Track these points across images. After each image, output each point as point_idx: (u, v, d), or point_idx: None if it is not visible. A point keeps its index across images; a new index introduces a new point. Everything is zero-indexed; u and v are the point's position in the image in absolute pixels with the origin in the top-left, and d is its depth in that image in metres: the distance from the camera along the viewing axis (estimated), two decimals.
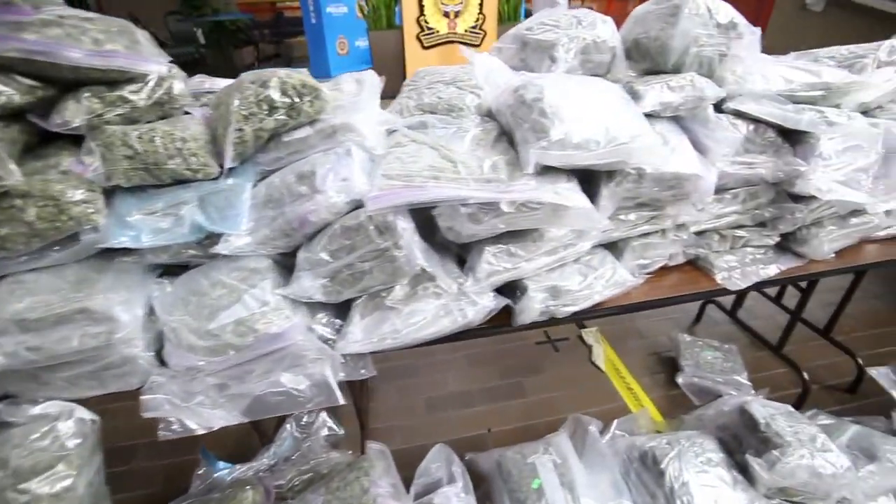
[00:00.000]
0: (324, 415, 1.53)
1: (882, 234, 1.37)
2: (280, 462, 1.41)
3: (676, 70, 1.12)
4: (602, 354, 2.08)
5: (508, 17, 4.38)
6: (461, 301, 0.95)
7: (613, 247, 1.15)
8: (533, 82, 0.93)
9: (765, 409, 1.25)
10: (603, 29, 1.11)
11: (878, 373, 1.43)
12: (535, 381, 1.97)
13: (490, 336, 1.10)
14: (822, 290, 2.52)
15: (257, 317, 0.84)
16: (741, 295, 2.25)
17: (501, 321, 1.03)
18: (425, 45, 4.14)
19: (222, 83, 1.07)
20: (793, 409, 1.30)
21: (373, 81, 1.07)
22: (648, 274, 1.21)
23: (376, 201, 0.81)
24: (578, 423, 1.37)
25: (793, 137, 1.14)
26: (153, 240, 0.84)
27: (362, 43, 4.82)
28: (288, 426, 1.45)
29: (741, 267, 1.22)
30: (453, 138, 0.95)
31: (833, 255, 1.27)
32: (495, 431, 1.76)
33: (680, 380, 1.87)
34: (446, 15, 3.87)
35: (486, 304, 0.96)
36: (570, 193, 0.88)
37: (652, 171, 0.96)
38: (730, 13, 1.06)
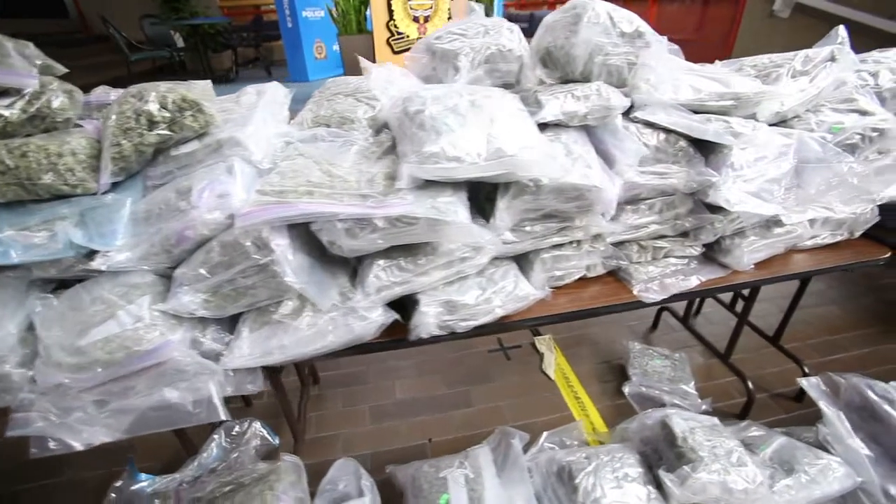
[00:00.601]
0: (257, 424, 1.52)
1: (809, 243, 1.35)
2: (205, 473, 1.39)
3: (586, 79, 1.11)
4: (553, 363, 2.06)
5: None
6: (348, 316, 0.94)
7: (525, 258, 1.14)
8: (418, 94, 0.92)
9: (686, 423, 1.24)
10: (509, 38, 1.10)
11: (808, 383, 1.40)
12: (482, 390, 1.95)
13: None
14: (777, 297, 2.53)
15: (129, 333, 0.83)
16: (692, 302, 2.23)
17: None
18: (395, 49, 4.14)
19: None
20: (717, 422, 1.29)
21: (274, 94, 1.06)
22: (563, 286, 1.20)
23: (245, 218, 0.80)
24: (504, 435, 1.36)
25: (708, 148, 1.13)
26: (24, 256, 0.83)
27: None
28: (216, 436, 1.43)
29: (661, 278, 1.21)
30: (339, 151, 0.94)
31: (752, 265, 1.25)
32: (436, 441, 1.74)
33: (626, 389, 1.85)
34: (416, 20, 3.88)
35: (375, 318, 0.95)
36: (449, 207, 0.86)
37: (549, 182, 0.95)
38: (634, 22, 1.06)
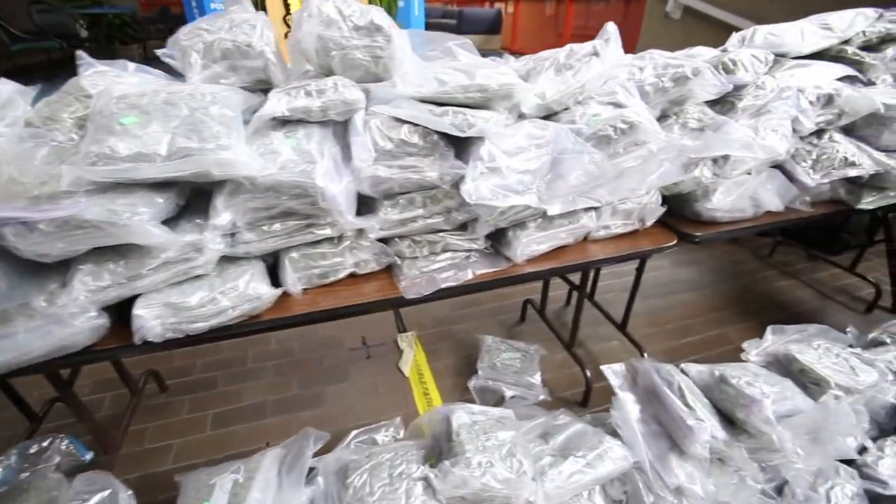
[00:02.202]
0: (62, 440, 1.45)
1: (602, 234, 1.38)
2: None
3: (330, 73, 1.09)
4: (410, 360, 2.06)
5: None
6: (51, 323, 0.89)
7: (279, 257, 1.11)
8: (110, 92, 0.87)
9: (469, 417, 1.24)
10: (250, 33, 1.06)
11: (609, 370, 1.44)
12: (335, 390, 1.93)
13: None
14: (659, 283, 2.62)
15: None
16: (546, 293, 2.26)
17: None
18: None
19: None
20: (509, 415, 1.30)
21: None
22: (334, 283, 1.18)
23: None
24: (300, 437, 1.33)
25: (468, 141, 1.13)
26: None
27: None
28: (3, 458, 1.36)
29: (433, 273, 1.21)
30: (34, 151, 0.89)
31: (527, 257, 1.26)
32: (274, 445, 1.70)
33: (471, 383, 1.86)
34: None
35: (81, 324, 0.91)
36: (127, 209, 0.83)
37: (265, 180, 0.93)
38: (369, 15, 1.04)
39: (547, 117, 1.24)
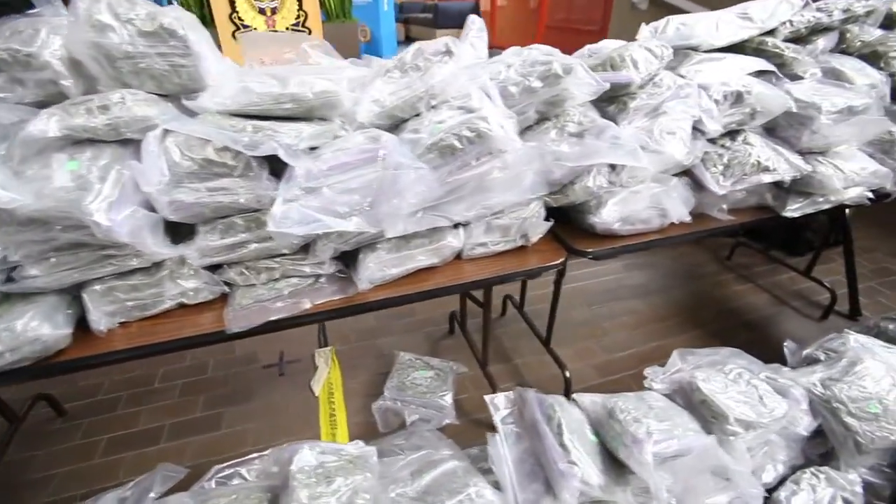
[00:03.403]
0: None
1: (479, 251, 1.25)
2: None
3: (126, 87, 0.96)
4: (323, 377, 1.95)
5: (336, 14, 4.16)
6: None
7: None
8: None
9: (316, 457, 1.12)
10: (31, 41, 0.94)
11: (495, 401, 1.31)
12: (239, 411, 1.83)
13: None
14: (607, 289, 2.46)
15: None
16: (463, 306, 2.12)
17: None
18: None
19: None
20: (366, 453, 1.18)
21: None
22: (160, 314, 1.07)
23: None
24: (156, 472, 1.23)
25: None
26: None
27: None
28: None
29: (268, 303, 1.09)
30: None
31: (376, 283, 1.14)
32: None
33: (375, 404, 1.75)
34: (262, 12, 3.64)
35: None
36: None
37: (24, 211, 0.82)
38: (158, 19, 0.91)
39: (399, 126, 1.11)
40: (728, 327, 2.24)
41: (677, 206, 1.32)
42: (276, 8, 3.92)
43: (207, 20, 3.84)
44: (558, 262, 1.26)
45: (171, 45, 0.92)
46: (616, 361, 2.04)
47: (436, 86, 1.05)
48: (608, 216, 1.23)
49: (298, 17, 3.85)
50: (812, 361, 1.60)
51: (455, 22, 6.64)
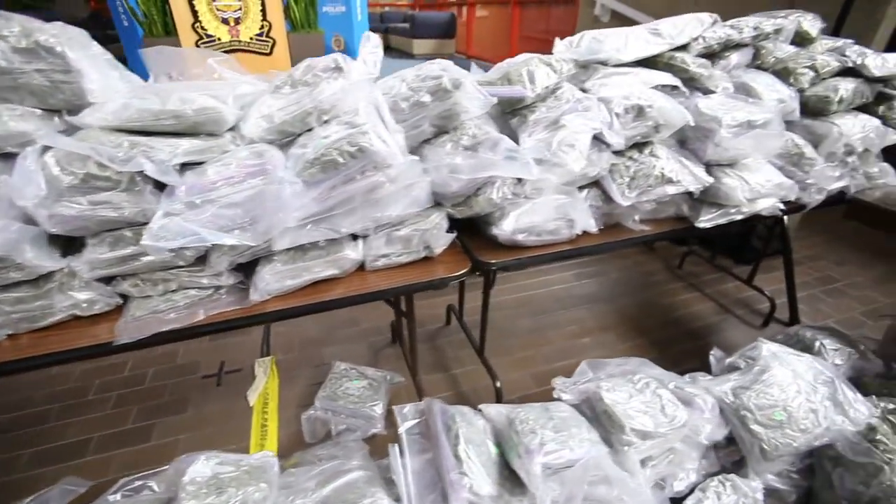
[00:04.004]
0: None
1: (381, 263, 1.26)
2: None
3: (10, 101, 0.97)
4: (260, 387, 1.94)
5: (301, 24, 4.20)
6: None
7: None
8: None
9: (212, 468, 1.12)
10: None
11: (403, 411, 1.32)
12: (172, 422, 1.82)
13: None
14: (556, 298, 2.48)
15: None
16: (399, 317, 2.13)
17: None
18: None
19: None
20: (265, 464, 1.18)
21: None
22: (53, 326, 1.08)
23: None
24: (56, 488, 1.23)
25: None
26: None
27: None
28: None
29: (162, 314, 1.09)
30: None
31: (274, 294, 1.15)
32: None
33: (305, 414, 1.75)
34: (225, 21, 3.66)
35: None
36: None
37: None
38: (34, 35, 0.92)
39: (293, 141, 1.13)
40: (671, 336, 2.26)
41: (584, 217, 1.34)
42: (239, 18, 3.95)
43: (171, 28, 3.87)
44: (462, 273, 1.28)
45: (49, 61, 0.94)
46: (555, 371, 2.04)
47: (325, 101, 1.07)
48: (509, 227, 1.25)
49: (262, 27, 3.88)
50: (733, 369, 1.63)
51: (432, 32, 6.72)
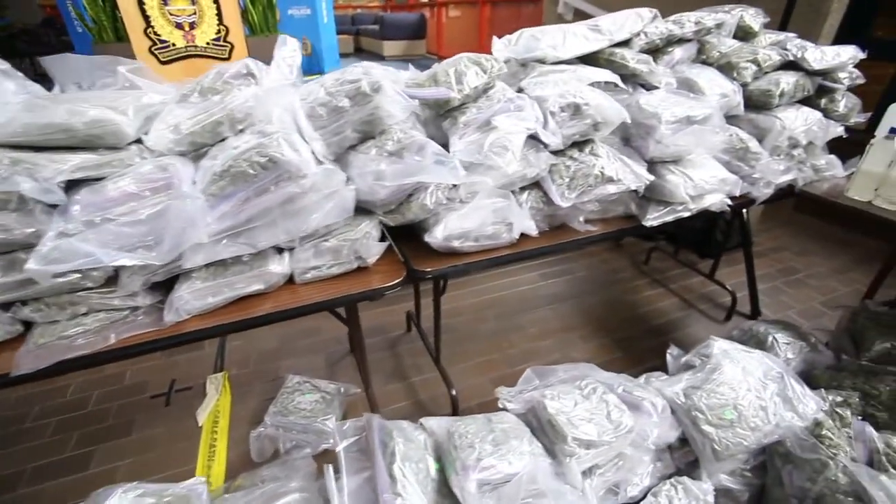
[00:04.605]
0: None
1: (310, 276, 1.21)
2: None
3: None
4: (211, 405, 1.87)
5: (260, 28, 4.10)
6: None
7: None
8: None
9: (128, 501, 1.07)
10: None
11: (341, 427, 1.27)
12: (114, 448, 1.74)
13: None
14: (523, 298, 2.43)
15: None
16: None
17: None
18: (162, 59, 3.79)
19: None
20: (193, 493, 1.12)
21: None
22: None
23: None
24: None
25: None
26: None
27: None
28: None
29: (70, 340, 1.03)
30: None
31: (194, 313, 1.09)
32: None
33: (254, 432, 1.68)
34: (179, 26, 3.55)
35: None
36: None
37: None
38: None
39: (206, 153, 1.07)
40: (635, 334, 2.24)
41: (523, 220, 1.31)
42: (194, 22, 3.84)
43: (123, 34, 3.74)
44: (396, 282, 1.23)
45: None
46: (516, 375, 1.98)
47: (237, 109, 1.02)
48: (440, 234, 1.21)
49: (219, 31, 3.78)
50: (689, 368, 1.61)
51: (401, 33, 6.65)
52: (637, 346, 2.16)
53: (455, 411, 1.76)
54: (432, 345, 1.94)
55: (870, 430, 1.26)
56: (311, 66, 4.38)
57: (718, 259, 2.38)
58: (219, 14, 3.94)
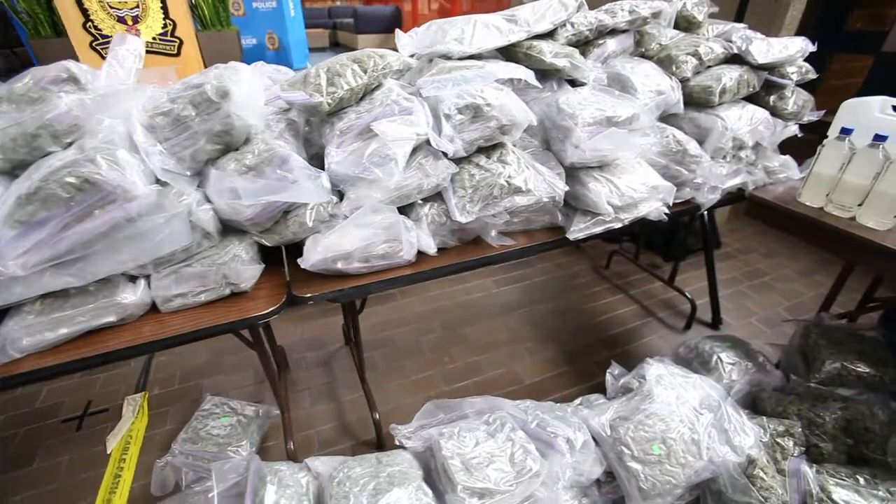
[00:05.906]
0: None
1: (177, 304, 1.07)
2: None
3: None
4: (124, 430, 1.74)
5: (212, 22, 3.92)
6: None
7: None
8: None
9: None
10: None
11: (221, 469, 1.14)
12: (11, 481, 1.61)
13: None
14: (479, 305, 2.29)
15: None
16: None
17: None
18: (105, 55, 3.61)
19: None
20: None
21: None
22: None
23: None
24: None
25: None
26: None
27: None
28: None
29: None
30: None
31: (19, 354, 0.95)
32: None
33: (159, 462, 1.56)
34: (122, 20, 3.38)
35: None
36: None
37: None
38: None
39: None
40: (587, 345, 2.11)
41: (421, 237, 1.17)
42: (138, 16, 3.66)
43: (61, 29, 3.57)
44: (274, 309, 1.10)
45: None
46: (455, 392, 1.89)
47: (57, 119, 0.88)
48: (315, 257, 1.07)
49: (165, 26, 3.61)
50: (627, 390, 1.48)
51: (376, 27, 6.44)
52: (588, 359, 2.03)
53: (379, 436, 1.64)
54: (364, 363, 1.82)
55: (805, 469, 1.13)
56: (279, 61, 4.20)
57: (677, 265, 2.24)
58: (164, 7, 3.75)
